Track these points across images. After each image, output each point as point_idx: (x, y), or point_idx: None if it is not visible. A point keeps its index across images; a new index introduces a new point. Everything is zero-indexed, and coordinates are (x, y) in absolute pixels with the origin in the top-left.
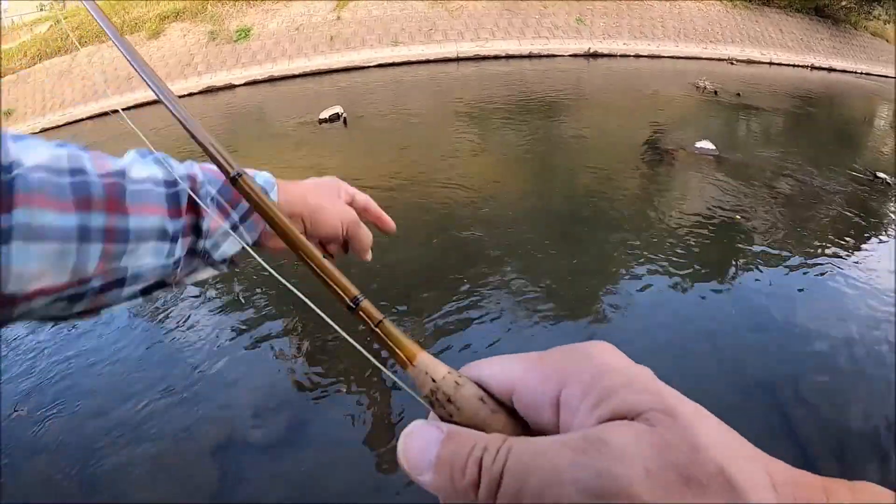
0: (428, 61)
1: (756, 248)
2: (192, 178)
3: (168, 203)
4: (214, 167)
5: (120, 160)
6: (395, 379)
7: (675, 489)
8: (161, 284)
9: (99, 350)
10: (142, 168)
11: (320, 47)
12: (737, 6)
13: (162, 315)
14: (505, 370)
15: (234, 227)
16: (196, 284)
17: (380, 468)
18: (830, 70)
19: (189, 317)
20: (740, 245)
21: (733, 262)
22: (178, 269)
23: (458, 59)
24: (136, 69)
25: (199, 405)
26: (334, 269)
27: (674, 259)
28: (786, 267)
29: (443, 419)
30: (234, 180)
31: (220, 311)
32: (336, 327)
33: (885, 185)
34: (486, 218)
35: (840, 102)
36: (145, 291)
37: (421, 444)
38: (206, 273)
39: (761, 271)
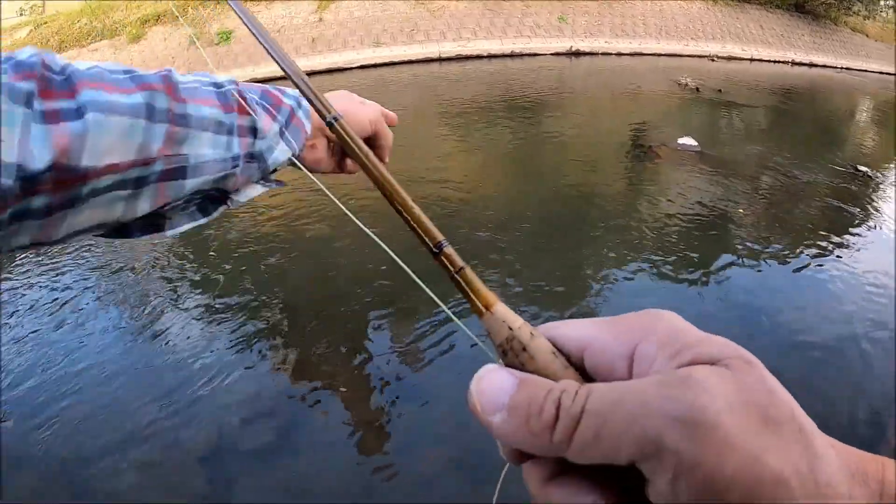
0: (410, 62)
1: (740, 243)
2: (234, 84)
3: (219, 98)
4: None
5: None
6: (456, 319)
7: (756, 425)
8: (220, 196)
9: (87, 358)
10: (183, 75)
11: (302, 49)
12: (717, 3)
13: (151, 322)
14: (577, 330)
15: (281, 132)
16: (190, 289)
17: (371, 471)
18: (811, 65)
19: (178, 323)
20: (724, 240)
21: (717, 257)
22: (238, 171)
23: (440, 60)
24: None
25: (188, 411)
26: (422, 213)
27: (659, 255)
28: (769, 260)
29: (514, 368)
30: (331, 124)
31: (209, 317)
32: (407, 269)
33: (865, 178)
34: (470, 218)
35: (821, 97)
36: (205, 205)
37: (495, 385)
38: (257, 190)
39: (745, 265)
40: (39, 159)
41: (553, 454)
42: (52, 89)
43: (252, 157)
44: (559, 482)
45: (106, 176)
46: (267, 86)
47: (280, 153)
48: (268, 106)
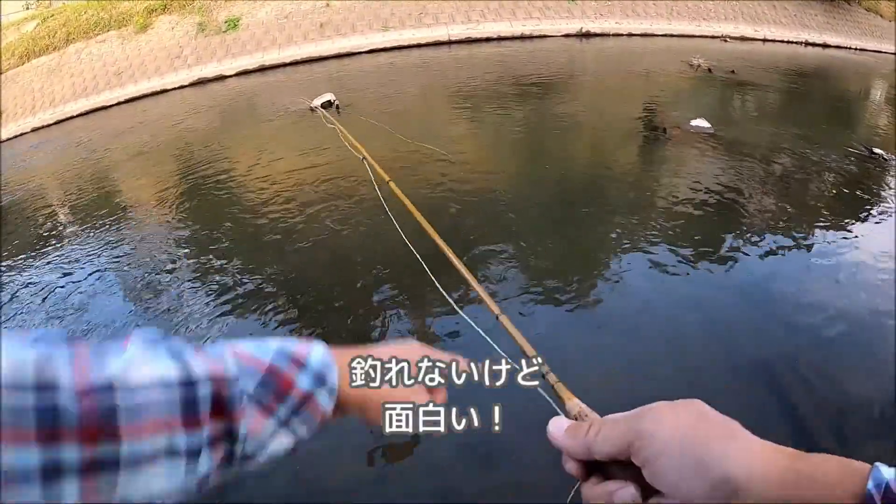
0: (419, 45)
1: (753, 226)
2: (216, 379)
3: (183, 411)
4: (248, 352)
5: (115, 359)
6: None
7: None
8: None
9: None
10: (147, 366)
11: (310, 35)
12: None
13: (156, 306)
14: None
15: (286, 423)
16: (196, 276)
17: (381, 457)
18: (825, 46)
19: (184, 308)
20: (737, 222)
21: (730, 240)
22: (210, 479)
23: (449, 43)
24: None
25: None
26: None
27: (670, 237)
28: (783, 244)
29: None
30: (497, 317)
31: (215, 301)
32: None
33: (880, 160)
34: (481, 200)
35: (835, 78)
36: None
37: (562, 422)
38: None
39: (758, 248)
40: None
41: (588, 453)
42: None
43: (232, 459)
44: (607, 483)
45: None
46: (279, 363)
47: (280, 445)
48: (264, 400)
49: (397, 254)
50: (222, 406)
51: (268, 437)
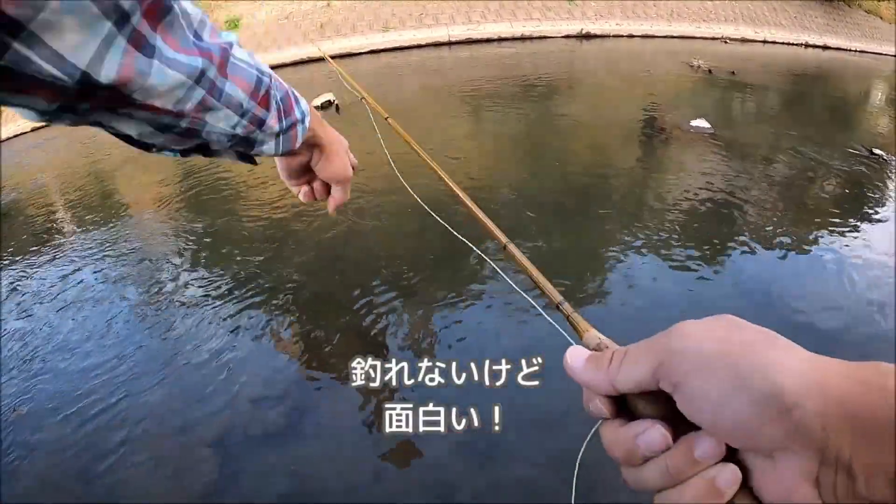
0: (419, 46)
1: (753, 226)
2: (272, 78)
3: (255, 84)
4: (275, 75)
5: (226, 35)
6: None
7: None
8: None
9: (97, 343)
10: (240, 50)
11: (310, 35)
12: None
13: (159, 307)
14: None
15: (279, 134)
16: (198, 275)
17: (380, 456)
18: (825, 48)
19: (187, 307)
20: (737, 222)
21: (730, 240)
22: (230, 143)
23: (449, 44)
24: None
25: (198, 395)
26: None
27: (670, 238)
28: (783, 244)
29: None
30: (504, 247)
31: (218, 300)
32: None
33: (881, 161)
34: (481, 201)
35: (835, 80)
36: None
37: (579, 352)
38: (230, 156)
39: (759, 248)
40: (105, 76)
41: (611, 386)
42: (156, 15)
43: (247, 140)
44: (630, 424)
45: (144, 112)
46: (291, 89)
47: (268, 149)
48: (282, 108)
49: (407, 202)
50: (268, 97)
51: (270, 135)
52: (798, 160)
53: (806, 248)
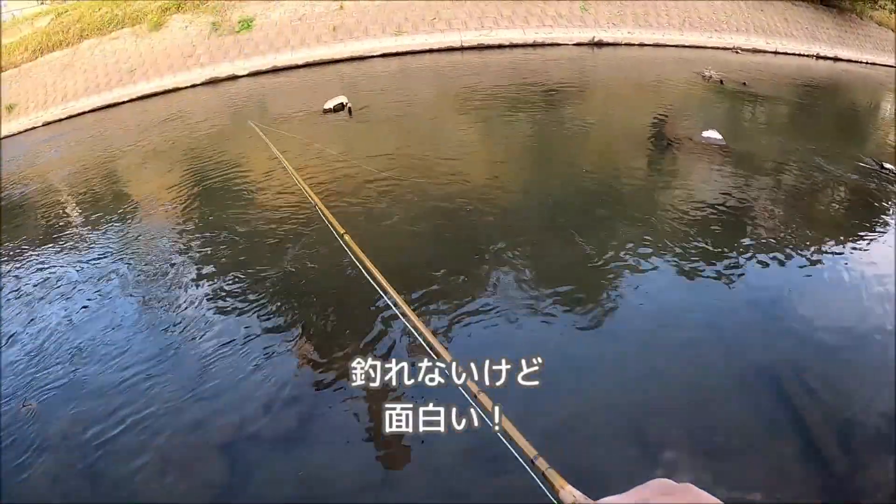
0: (431, 50)
1: (762, 238)
2: None
3: None
4: None
5: None
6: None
7: None
8: None
9: (112, 343)
10: None
11: (323, 37)
12: None
13: (171, 309)
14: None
15: None
16: (205, 275)
17: (387, 463)
18: (836, 59)
19: (199, 311)
20: (746, 235)
21: (739, 252)
22: None
23: (461, 49)
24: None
25: (208, 399)
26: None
27: (679, 248)
28: (791, 257)
29: None
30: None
31: (230, 305)
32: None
33: (891, 175)
34: (490, 208)
35: (845, 92)
36: None
37: None
38: None
39: (767, 261)
40: None
41: None
42: None
43: None
44: None
45: None
46: None
47: None
48: None
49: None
50: None
51: None
52: (808, 173)
53: (814, 261)
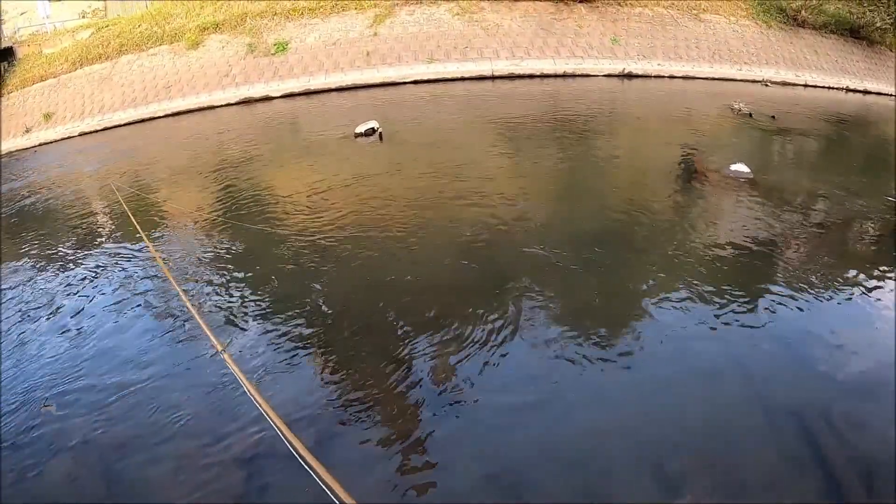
0: (463, 79)
1: (789, 275)
2: None
3: None
4: None
5: None
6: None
7: None
8: None
9: (130, 353)
10: None
11: (357, 62)
12: (772, 27)
13: (194, 320)
14: None
15: None
16: (234, 293)
17: (405, 486)
18: (865, 92)
19: (224, 325)
20: (774, 271)
21: (765, 288)
22: None
23: (493, 78)
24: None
25: (229, 410)
26: None
27: (705, 283)
28: (818, 294)
29: None
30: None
31: (254, 321)
32: None
33: None
34: (517, 237)
35: (875, 125)
36: None
37: None
38: None
39: (793, 298)
40: None
41: None
42: None
43: None
44: None
45: None
46: None
47: None
48: None
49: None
50: None
51: None
52: (837, 209)
53: (841, 298)
